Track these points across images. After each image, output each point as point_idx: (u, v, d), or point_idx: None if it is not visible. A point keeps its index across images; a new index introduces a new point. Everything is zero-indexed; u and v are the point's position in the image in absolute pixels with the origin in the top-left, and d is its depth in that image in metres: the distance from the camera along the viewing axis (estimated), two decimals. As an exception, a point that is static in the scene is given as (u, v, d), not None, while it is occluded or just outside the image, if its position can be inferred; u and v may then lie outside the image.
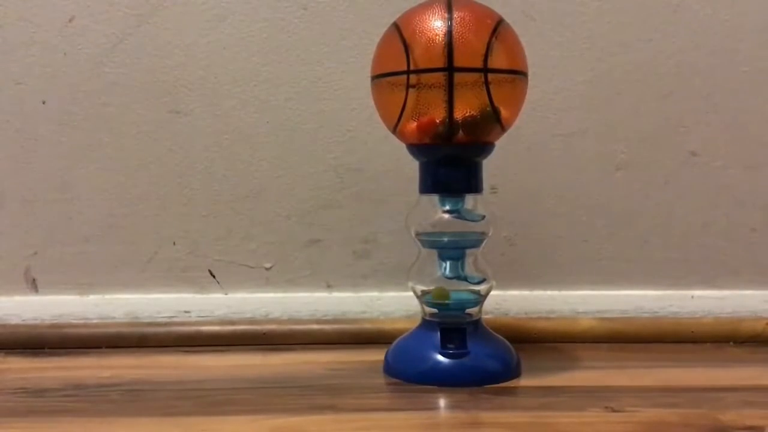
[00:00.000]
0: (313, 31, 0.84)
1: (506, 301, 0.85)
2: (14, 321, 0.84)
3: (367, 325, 0.82)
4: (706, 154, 0.86)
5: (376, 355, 0.73)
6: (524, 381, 0.69)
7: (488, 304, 0.75)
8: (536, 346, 0.80)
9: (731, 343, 0.81)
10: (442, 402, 0.64)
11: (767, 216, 0.86)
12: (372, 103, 0.71)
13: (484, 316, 0.73)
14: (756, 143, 0.86)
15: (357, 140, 0.85)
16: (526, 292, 0.86)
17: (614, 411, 0.60)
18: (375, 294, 0.86)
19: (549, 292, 0.86)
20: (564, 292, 0.86)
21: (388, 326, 0.81)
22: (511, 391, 0.67)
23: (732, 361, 0.77)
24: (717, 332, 0.82)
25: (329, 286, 0.87)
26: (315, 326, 0.83)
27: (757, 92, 0.85)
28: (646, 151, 0.85)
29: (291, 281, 0.87)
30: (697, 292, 0.86)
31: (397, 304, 0.85)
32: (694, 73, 0.85)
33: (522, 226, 0.86)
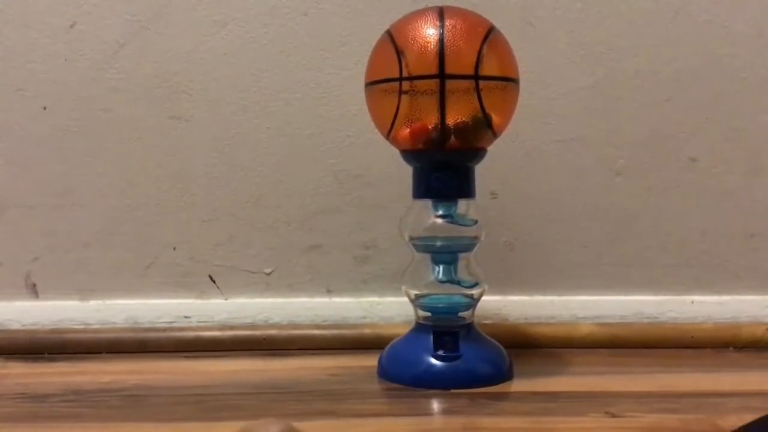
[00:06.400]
0: (313, 38, 0.85)
1: (506, 307, 0.85)
2: (14, 326, 0.84)
3: (367, 331, 0.82)
4: (706, 160, 0.86)
5: (376, 361, 0.73)
6: (524, 386, 0.69)
7: (488, 309, 0.75)
8: (536, 351, 0.80)
9: (731, 348, 0.81)
10: (442, 407, 0.64)
11: (766, 221, 0.86)
12: (372, 108, 0.71)
13: (484, 322, 0.73)
14: (755, 149, 0.86)
15: (357, 146, 0.85)
16: (525, 298, 0.86)
17: (614, 416, 0.60)
18: (375, 299, 0.86)
19: (549, 298, 0.86)
20: (564, 298, 0.86)
21: (388, 332, 0.81)
22: (511, 396, 0.67)
23: (732, 366, 0.77)
24: (717, 337, 0.82)
25: (329, 292, 0.87)
26: (315, 331, 0.83)
27: (757, 98, 0.85)
28: (645, 157, 0.86)
29: (291, 286, 0.87)
30: (697, 298, 0.86)
31: (397, 310, 0.85)
32: (693, 79, 0.85)
33: (522, 231, 0.86)
